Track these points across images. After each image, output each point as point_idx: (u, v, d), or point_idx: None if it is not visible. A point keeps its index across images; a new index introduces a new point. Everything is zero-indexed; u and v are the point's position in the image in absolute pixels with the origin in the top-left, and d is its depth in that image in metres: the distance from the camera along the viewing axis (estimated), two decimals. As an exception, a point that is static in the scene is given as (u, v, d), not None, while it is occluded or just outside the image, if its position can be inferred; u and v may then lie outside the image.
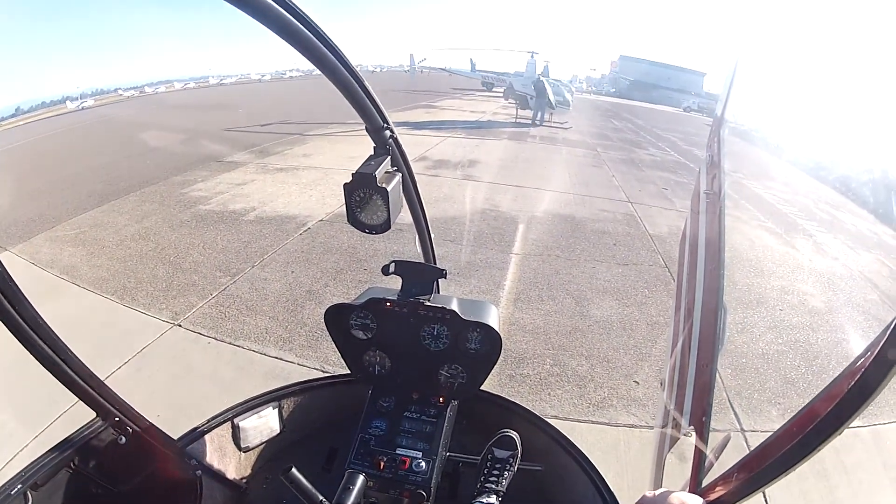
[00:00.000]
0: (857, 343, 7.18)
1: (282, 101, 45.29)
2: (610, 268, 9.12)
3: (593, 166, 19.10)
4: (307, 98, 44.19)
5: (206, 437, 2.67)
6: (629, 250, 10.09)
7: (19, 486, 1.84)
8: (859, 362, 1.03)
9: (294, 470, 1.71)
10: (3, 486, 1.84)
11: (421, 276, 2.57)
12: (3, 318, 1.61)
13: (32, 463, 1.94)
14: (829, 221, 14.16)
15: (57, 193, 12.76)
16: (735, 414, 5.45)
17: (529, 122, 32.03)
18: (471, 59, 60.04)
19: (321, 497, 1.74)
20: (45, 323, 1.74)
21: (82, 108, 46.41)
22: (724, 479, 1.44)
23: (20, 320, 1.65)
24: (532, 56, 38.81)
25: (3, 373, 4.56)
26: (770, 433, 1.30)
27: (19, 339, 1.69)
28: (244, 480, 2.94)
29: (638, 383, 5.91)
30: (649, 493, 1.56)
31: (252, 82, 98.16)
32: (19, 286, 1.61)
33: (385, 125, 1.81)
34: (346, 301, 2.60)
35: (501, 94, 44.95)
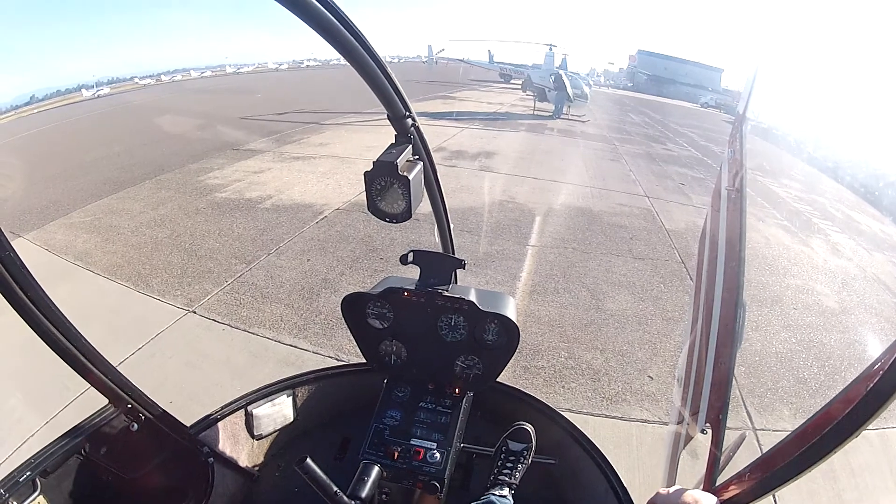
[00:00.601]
0: (869, 345, 7.08)
1: (299, 89, 45.32)
2: (626, 262, 9.06)
3: (611, 160, 18.99)
4: (324, 87, 44.28)
5: (219, 424, 2.67)
6: (645, 245, 10.02)
7: (28, 474, 1.84)
8: (876, 366, 1.01)
9: (309, 460, 1.69)
10: (11, 472, 1.84)
11: (439, 266, 2.54)
12: (16, 305, 1.61)
13: (42, 450, 1.94)
14: (844, 222, 14.00)
15: (72, 180, 12.85)
16: (747, 412, 5.40)
17: (547, 114, 31.92)
18: (489, 51, 59.72)
19: (335, 488, 1.72)
20: (58, 309, 1.74)
21: (98, 96, 46.64)
22: (738, 478, 1.42)
23: (33, 307, 1.65)
24: (550, 49, 38.49)
25: (17, 359, 4.59)
26: (782, 432, 1.28)
27: (32, 326, 1.69)
28: (256, 468, 2.95)
29: (652, 378, 5.87)
30: (663, 491, 1.55)
31: (269, 71, 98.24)
32: (32, 273, 1.61)
33: (407, 113, 1.79)
34: (363, 290, 2.58)
35: (519, 86, 44.79)
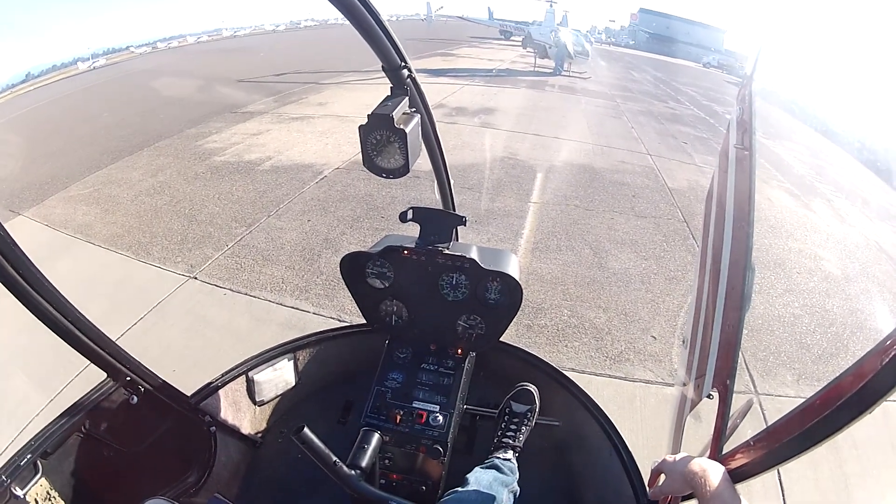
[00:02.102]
0: (871, 312, 7.04)
1: (297, 50, 44.74)
2: (628, 219, 9.02)
3: (612, 117, 18.79)
4: (323, 47, 43.70)
5: (220, 392, 2.66)
6: (648, 203, 9.96)
7: (29, 457, 1.82)
8: (889, 340, 0.97)
9: (306, 430, 1.65)
10: (11, 457, 1.82)
11: (439, 223, 2.50)
12: (7, 283, 1.56)
13: (42, 431, 1.92)
14: (848, 189, 13.87)
15: (70, 154, 12.71)
16: (750, 376, 5.39)
17: (548, 70, 31.62)
18: (488, 8, 59.14)
19: (335, 458, 1.68)
20: (52, 285, 1.70)
21: (94, 68, 45.91)
22: (746, 447, 1.39)
23: (25, 284, 1.60)
24: (551, 5, 37.96)
25: (16, 338, 4.57)
26: (784, 397, 1.24)
27: (24, 304, 1.65)
28: (259, 435, 2.95)
29: (655, 338, 5.86)
30: (669, 458, 1.53)
31: (266, 33, 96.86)
32: (24, 250, 1.56)
33: (403, 64, 1.73)
34: (362, 249, 2.55)
35: (519, 44, 44.27)
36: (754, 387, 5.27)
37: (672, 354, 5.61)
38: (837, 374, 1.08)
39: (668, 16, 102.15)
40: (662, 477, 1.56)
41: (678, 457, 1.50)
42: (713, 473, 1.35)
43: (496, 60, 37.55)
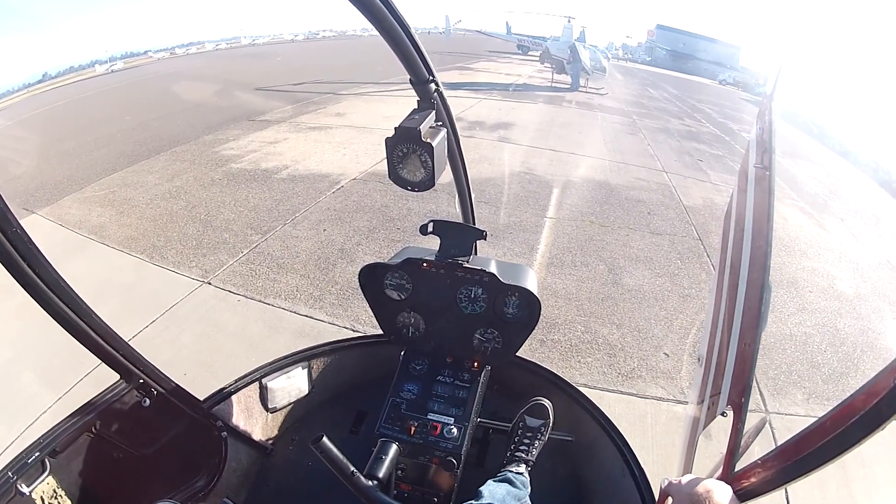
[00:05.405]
0: (882, 332, 6.96)
1: (315, 60, 45.00)
2: (643, 236, 8.99)
3: (629, 134, 18.76)
4: (341, 58, 44.01)
5: (233, 397, 2.66)
6: (663, 220, 9.91)
7: (37, 454, 1.82)
8: None
9: (325, 439, 1.65)
10: (19, 454, 1.81)
11: (460, 236, 2.51)
12: (24, 283, 1.57)
13: (52, 429, 1.91)
14: (861, 208, 13.79)
15: (86, 155, 12.86)
16: (760, 394, 5.35)
17: (565, 86, 31.62)
18: (506, 22, 59.38)
19: (352, 468, 1.68)
20: (68, 285, 1.70)
21: (112, 71, 46.41)
22: (758, 466, 1.38)
23: (42, 284, 1.60)
24: (569, 21, 38.07)
25: (30, 338, 4.60)
26: (794, 416, 1.23)
27: (40, 303, 1.65)
28: (270, 442, 2.94)
29: (668, 356, 5.82)
30: (675, 480, 1.52)
31: (284, 42, 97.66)
32: (40, 249, 1.56)
33: (430, 78, 1.75)
34: (381, 261, 2.55)
35: (537, 58, 44.37)
36: (764, 405, 5.24)
37: (682, 372, 5.58)
38: (850, 393, 1.08)
39: (684, 32, 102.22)
40: (670, 500, 1.55)
41: (685, 479, 1.49)
42: (719, 494, 1.34)
43: (514, 75, 37.64)
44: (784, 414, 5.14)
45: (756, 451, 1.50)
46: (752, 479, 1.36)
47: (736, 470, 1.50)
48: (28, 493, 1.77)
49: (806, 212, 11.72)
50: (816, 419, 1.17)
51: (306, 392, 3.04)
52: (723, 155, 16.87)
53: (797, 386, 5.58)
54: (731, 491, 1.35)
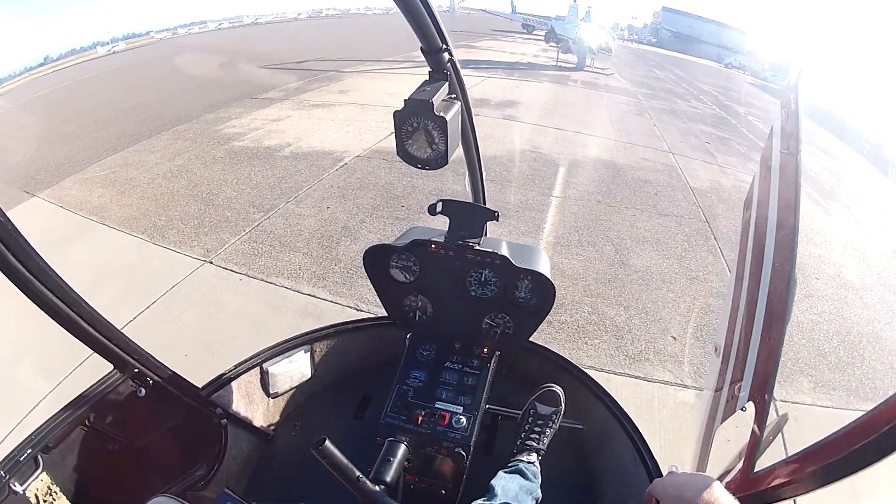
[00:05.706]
0: (889, 322, 6.89)
1: (318, 38, 44.73)
2: (650, 217, 8.91)
3: (635, 114, 18.63)
4: (345, 36, 43.77)
5: (233, 384, 2.59)
6: (670, 201, 9.83)
7: (29, 451, 1.75)
8: None
9: (328, 443, 1.57)
10: (11, 452, 1.75)
11: (471, 217, 2.41)
12: (8, 273, 1.48)
13: (43, 424, 1.85)
14: (871, 197, 13.74)
15: (87, 136, 12.71)
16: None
17: (570, 66, 31.48)
18: (511, 1, 58.82)
19: (358, 473, 1.60)
20: (56, 274, 1.61)
21: (113, 52, 46.08)
22: (782, 467, 1.28)
23: (27, 274, 1.52)
24: (575, 1, 37.74)
25: (22, 329, 4.50)
26: (801, 405, 1.13)
27: (26, 293, 1.56)
28: (272, 428, 2.89)
29: (675, 339, 5.77)
30: (659, 481, 1.40)
31: (287, 21, 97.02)
32: (25, 237, 1.47)
33: (444, 47, 1.60)
34: (387, 242, 2.46)
35: (542, 38, 44.10)
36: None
37: (692, 356, 5.52)
38: (885, 398, 0.98)
39: (690, 15, 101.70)
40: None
41: (668, 480, 1.37)
42: (708, 490, 1.20)
43: (518, 54, 37.33)
44: (790, 402, 5.08)
45: (776, 447, 1.41)
46: (777, 481, 1.27)
47: (756, 468, 1.41)
48: (21, 492, 1.71)
49: (812, 198, 11.65)
50: (850, 422, 1.07)
51: (309, 376, 2.98)
52: (729, 137, 16.82)
53: (803, 374, 5.52)
54: (716, 481, 1.22)
